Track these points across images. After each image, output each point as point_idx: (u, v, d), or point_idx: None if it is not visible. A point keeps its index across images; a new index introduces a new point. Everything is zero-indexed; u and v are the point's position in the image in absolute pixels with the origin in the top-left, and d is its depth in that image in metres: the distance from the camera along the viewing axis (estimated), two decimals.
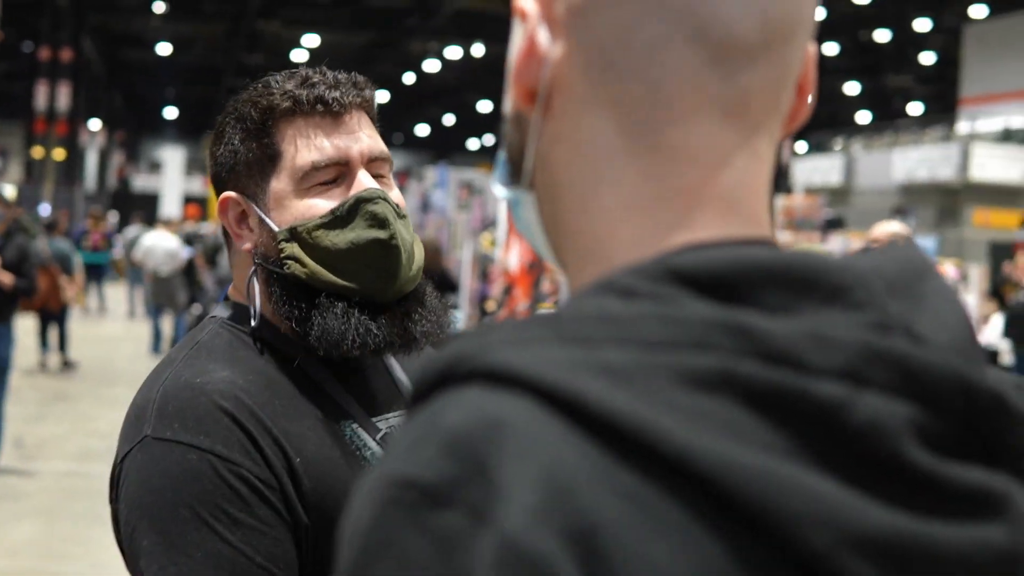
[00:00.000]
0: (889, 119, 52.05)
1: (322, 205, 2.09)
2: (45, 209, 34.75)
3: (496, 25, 38.42)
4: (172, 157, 47.88)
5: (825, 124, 53.74)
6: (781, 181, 29.67)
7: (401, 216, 2.16)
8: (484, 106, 57.28)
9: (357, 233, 2.09)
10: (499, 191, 1.07)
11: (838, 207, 36.06)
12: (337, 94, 2.11)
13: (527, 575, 0.73)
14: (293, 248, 2.07)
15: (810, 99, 1.03)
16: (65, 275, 17.69)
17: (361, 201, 2.11)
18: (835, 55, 44.70)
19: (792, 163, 38.17)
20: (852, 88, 53.34)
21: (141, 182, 61.60)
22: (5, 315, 11.52)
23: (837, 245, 22.20)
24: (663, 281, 0.85)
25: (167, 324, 21.02)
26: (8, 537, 9.44)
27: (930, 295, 0.90)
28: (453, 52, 44.24)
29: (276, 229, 2.08)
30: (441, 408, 0.81)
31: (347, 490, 1.93)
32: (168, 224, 22.59)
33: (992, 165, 35.91)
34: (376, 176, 2.16)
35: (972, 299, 20.02)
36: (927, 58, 47.59)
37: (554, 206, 0.99)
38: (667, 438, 0.77)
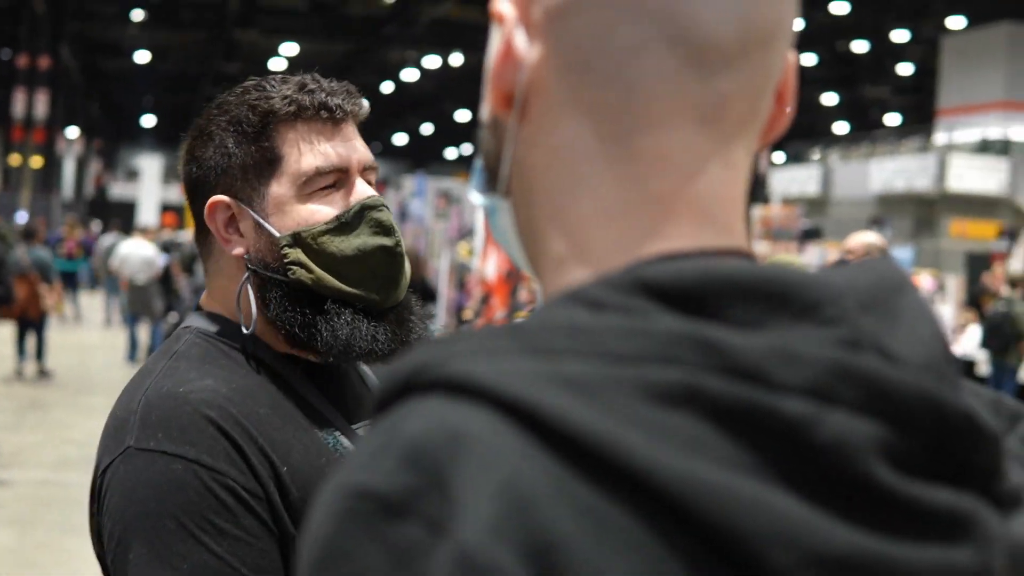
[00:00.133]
0: (866, 130, 52.20)
1: (325, 211, 2.07)
2: (22, 217, 34.66)
3: (474, 34, 38.43)
4: (149, 165, 47.77)
5: (802, 134, 53.84)
6: (758, 191, 29.73)
7: None
8: (462, 115, 57.32)
9: (363, 240, 2.08)
10: (476, 198, 1.06)
11: (815, 217, 36.15)
12: (339, 101, 2.09)
13: None
14: (297, 254, 2.04)
15: (790, 108, 1.02)
16: (45, 283, 17.65)
17: (366, 208, 2.10)
18: (813, 66, 44.78)
19: (769, 173, 38.26)
20: (830, 99, 53.50)
21: (118, 190, 61.49)
22: None
23: (814, 255, 22.27)
24: (632, 293, 0.84)
25: (143, 333, 20.94)
26: None
27: (905, 311, 0.88)
28: (431, 61, 44.26)
29: (277, 234, 2.04)
30: (402, 418, 0.80)
31: None
32: (145, 232, 22.53)
33: (969, 176, 36.02)
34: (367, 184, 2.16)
35: (949, 309, 20.08)
36: (904, 69, 47.74)
37: (530, 212, 0.98)
38: (629, 453, 0.75)
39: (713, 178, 0.93)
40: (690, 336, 0.80)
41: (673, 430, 0.77)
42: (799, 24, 0.99)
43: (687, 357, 0.79)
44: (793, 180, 41.33)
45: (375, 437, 0.81)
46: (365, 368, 2.29)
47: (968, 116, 39.42)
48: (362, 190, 2.11)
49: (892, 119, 57.27)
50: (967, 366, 17.33)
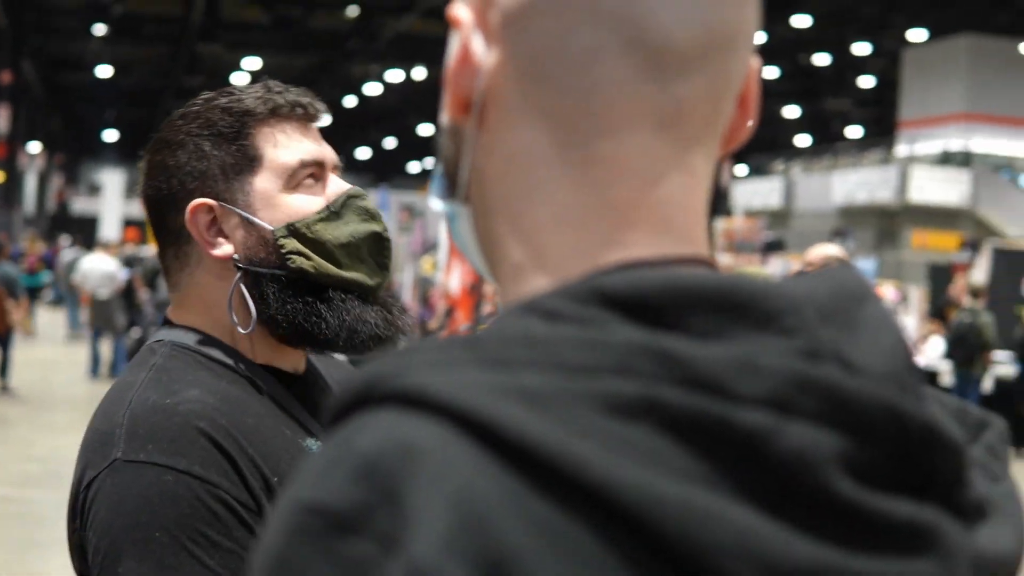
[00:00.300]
0: (828, 142, 52.43)
1: (313, 201, 2.08)
2: None
3: (437, 48, 38.01)
4: (112, 180, 47.58)
5: (765, 147, 53.97)
6: (721, 204, 29.80)
7: None
8: (425, 129, 57.30)
9: (354, 227, 2.10)
10: (436, 205, 1.05)
11: (778, 230, 36.28)
12: (308, 100, 2.12)
13: None
14: (294, 244, 2.04)
15: (753, 116, 1.01)
16: (12, 299, 17.57)
17: (351, 197, 2.12)
18: (775, 79, 44.89)
19: (732, 186, 38.33)
20: (792, 111, 53.65)
21: (80, 205, 61.23)
22: None
23: (777, 267, 22.37)
24: (589, 303, 0.83)
25: (106, 348, 20.85)
26: None
27: (866, 321, 0.87)
28: (394, 75, 44.24)
29: (270, 228, 2.03)
30: (354, 432, 0.79)
31: None
32: (107, 247, 22.46)
33: (930, 188, 36.27)
34: None
35: (912, 320, 20.18)
36: (866, 82, 47.94)
37: (488, 220, 0.97)
38: (585, 466, 0.74)
39: (673, 185, 0.92)
40: (648, 347, 0.79)
41: (630, 442, 0.76)
42: (761, 37, 0.99)
43: (645, 368, 0.78)
44: (756, 193, 41.52)
45: (327, 451, 0.80)
46: (333, 379, 2.28)
47: (929, 128, 39.65)
48: (339, 183, 2.13)
49: (854, 132, 57.47)
50: (930, 377, 17.40)
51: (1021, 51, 38.86)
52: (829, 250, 7.40)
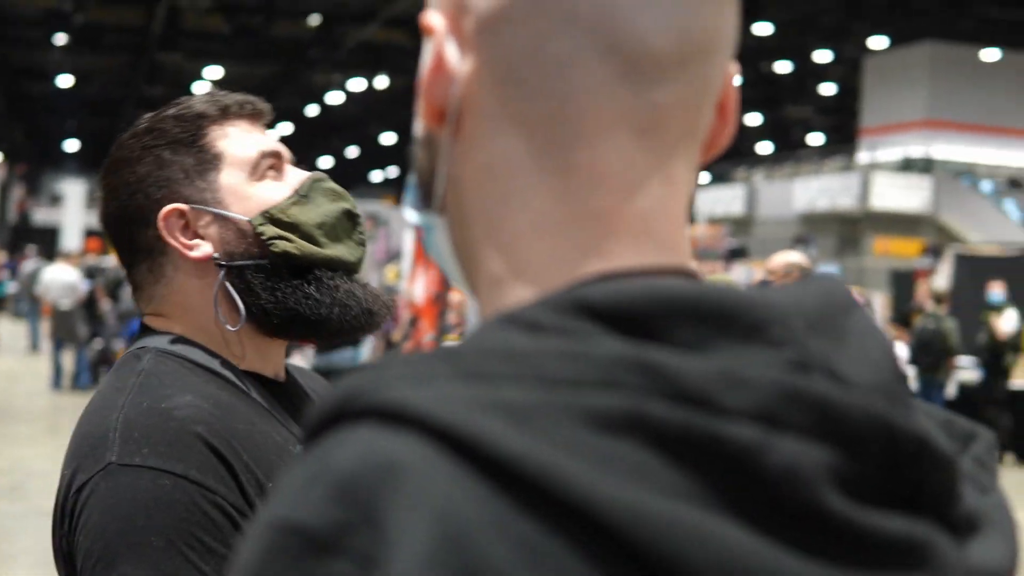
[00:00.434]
0: (790, 149, 52.61)
1: (280, 188, 2.10)
2: None
3: (399, 57, 38.38)
4: (73, 190, 47.44)
5: (727, 155, 53.40)
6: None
7: None
8: (388, 138, 57.18)
9: (326, 207, 2.12)
10: (410, 216, 1.03)
11: (740, 237, 36.44)
12: (254, 98, 2.15)
13: None
14: (273, 229, 2.05)
15: (732, 122, 1.00)
16: None
17: (316, 180, 2.14)
18: (737, 86, 44.74)
19: (695, 193, 38.39)
20: (753, 119, 53.73)
21: (42, 215, 60.86)
22: None
23: (740, 274, 22.42)
24: (571, 315, 0.81)
25: (68, 359, 20.76)
26: None
27: (853, 331, 0.86)
28: (356, 84, 44.14)
29: (246, 219, 2.05)
30: (332, 448, 0.77)
31: None
32: (68, 257, 22.36)
33: (892, 194, 36.44)
34: None
35: None
36: (827, 89, 48.05)
37: (465, 230, 0.95)
38: (569, 483, 0.73)
39: (653, 193, 0.91)
40: (632, 359, 0.78)
41: (615, 458, 0.74)
42: None
43: (629, 381, 0.77)
44: (718, 200, 41.63)
45: (305, 467, 0.78)
46: (311, 388, 2.28)
47: (890, 135, 39.86)
48: (299, 171, 2.15)
49: (815, 139, 57.63)
50: None
51: (982, 58, 39.07)
52: (792, 257, 7.44)
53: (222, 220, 2.06)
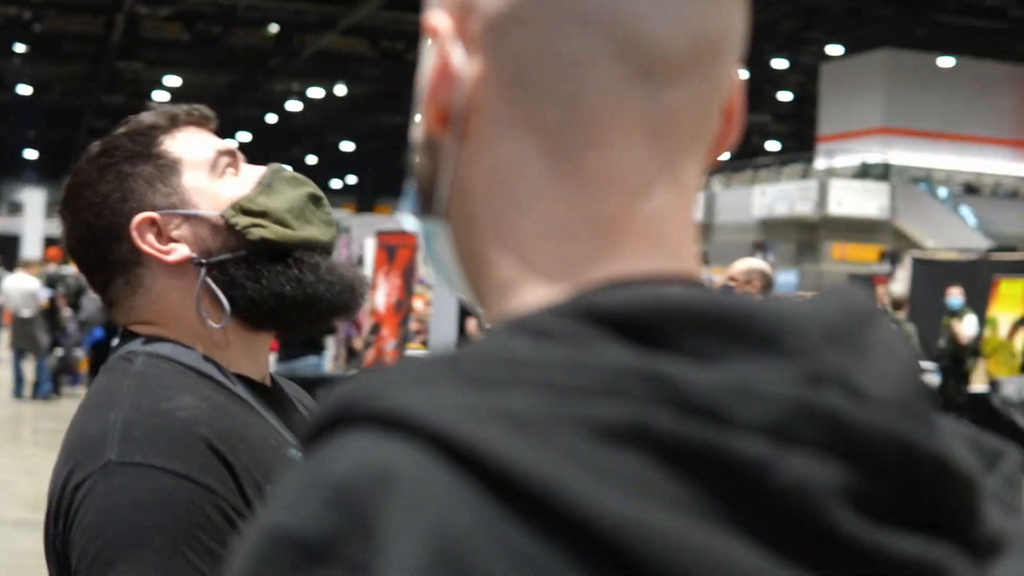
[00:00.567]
0: (748, 156, 52.56)
1: (242, 183, 2.10)
2: None
3: (358, 65, 38.33)
4: (33, 199, 47.00)
5: None
6: None
7: None
8: (347, 146, 57.02)
9: (290, 193, 2.12)
10: (410, 223, 1.00)
11: (699, 243, 36.38)
12: (199, 106, 2.17)
13: None
14: (247, 219, 2.05)
15: (738, 126, 0.97)
16: None
17: (275, 171, 2.16)
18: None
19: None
20: None
21: (1, 224, 60.53)
22: None
23: None
24: (579, 321, 0.78)
25: (28, 368, 20.60)
26: None
27: (874, 344, 0.81)
28: (315, 92, 44.05)
29: (217, 214, 2.05)
30: (328, 455, 0.75)
31: None
32: (28, 266, 22.22)
33: (849, 200, 36.57)
34: None
35: None
36: (785, 96, 48.19)
37: (470, 236, 0.92)
38: (569, 495, 0.70)
39: (663, 198, 0.88)
40: (639, 369, 0.75)
41: (618, 470, 0.71)
42: None
43: (636, 391, 0.74)
44: None
45: (299, 474, 0.76)
46: (296, 397, 2.26)
47: (847, 141, 40.01)
48: (255, 167, 2.17)
49: (773, 145, 57.70)
50: None
51: (938, 65, 39.28)
52: (754, 263, 7.45)
53: (193, 220, 2.06)
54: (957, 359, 17.76)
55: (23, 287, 20.40)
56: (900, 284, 21.77)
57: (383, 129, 51.67)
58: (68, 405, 17.38)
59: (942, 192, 39.95)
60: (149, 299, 2.08)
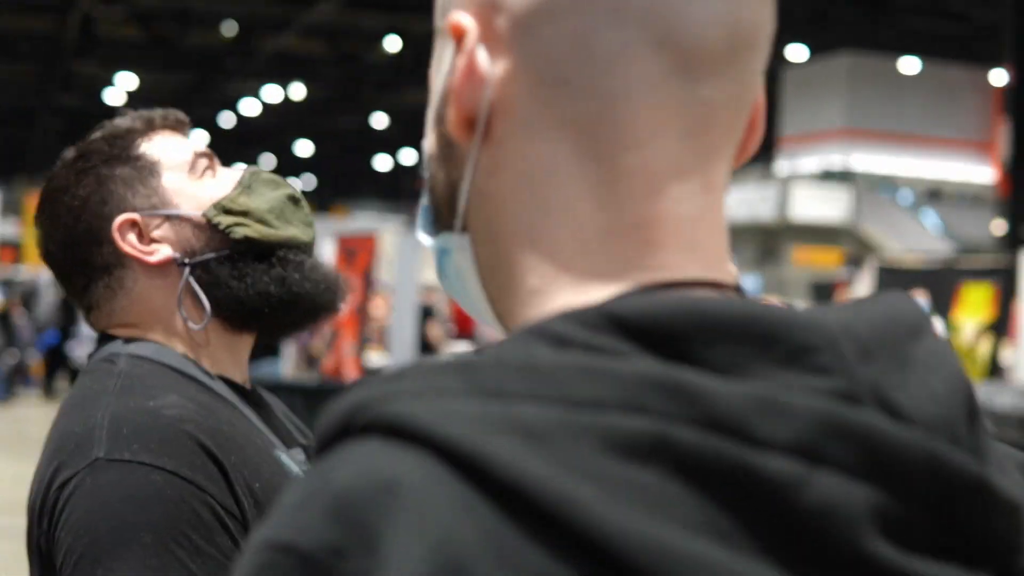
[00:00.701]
0: None
1: (221, 184, 2.11)
2: None
3: (315, 66, 38.29)
4: None
5: None
6: None
7: None
8: (303, 147, 57.17)
9: (270, 194, 2.13)
10: (425, 241, 0.95)
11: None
12: (175, 111, 2.19)
13: None
14: (229, 218, 2.06)
15: (761, 129, 0.93)
16: None
17: (253, 173, 2.16)
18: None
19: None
20: None
21: None
22: None
23: None
24: (601, 329, 0.75)
25: None
26: None
27: (919, 359, 0.77)
28: (272, 93, 43.97)
29: (199, 214, 2.06)
30: (334, 464, 0.73)
31: None
32: None
33: (811, 205, 36.67)
34: None
35: None
36: None
37: (495, 246, 0.87)
38: (584, 513, 0.67)
39: (696, 201, 0.85)
40: (662, 381, 0.72)
41: (636, 487, 0.69)
42: None
43: (657, 404, 0.71)
44: None
45: (304, 484, 0.74)
46: (274, 404, 2.26)
47: (809, 145, 40.17)
48: (232, 170, 2.18)
49: None
50: None
51: (900, 69, 39.43)
52: None
53: (175, 220, 2.06)
54: None
55: None
56: (863, 289, 21.75)
57: (340, 131, 51.72)
58: (22, 409, 17.29)
59: (904, 197, 40.12)
60: (131, 301, 2.08)
